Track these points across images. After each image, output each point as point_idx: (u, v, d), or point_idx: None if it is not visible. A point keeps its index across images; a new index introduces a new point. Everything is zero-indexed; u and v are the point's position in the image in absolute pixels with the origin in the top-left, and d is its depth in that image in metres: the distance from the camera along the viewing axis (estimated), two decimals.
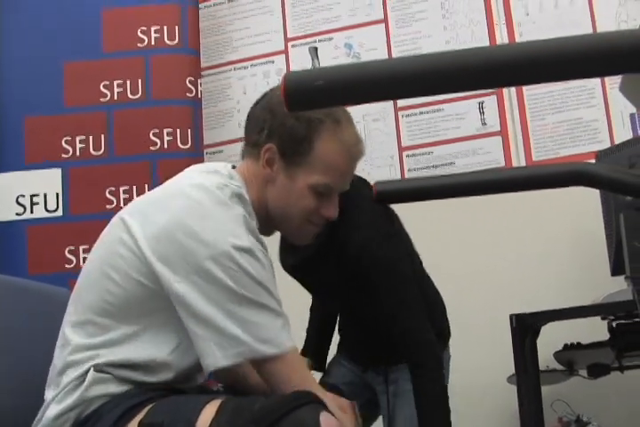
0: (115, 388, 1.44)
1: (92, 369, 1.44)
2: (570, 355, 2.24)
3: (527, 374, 2.10)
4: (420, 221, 2.70)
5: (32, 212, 2.72)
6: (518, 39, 2.79)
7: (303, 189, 1.55)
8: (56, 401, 1.45)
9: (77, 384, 1.44)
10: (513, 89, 2.77)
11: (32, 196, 2.74)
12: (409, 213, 2.60)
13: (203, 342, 1.40)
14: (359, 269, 1.77)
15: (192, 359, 1.46)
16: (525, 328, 2.10)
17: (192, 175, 1.55)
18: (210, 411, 1.35)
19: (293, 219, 1.58)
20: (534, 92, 2.74)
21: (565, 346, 2.23)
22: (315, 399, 1.36)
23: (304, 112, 1.53)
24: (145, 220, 1.46)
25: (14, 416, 1.56)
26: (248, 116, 1.63)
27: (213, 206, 1.45)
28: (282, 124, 1.54)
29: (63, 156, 2.76)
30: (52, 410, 1.45)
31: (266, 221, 1.58)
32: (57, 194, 2.73)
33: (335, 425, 1.33)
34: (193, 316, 1.41)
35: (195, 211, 1.44)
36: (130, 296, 1.45)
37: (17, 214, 2.73)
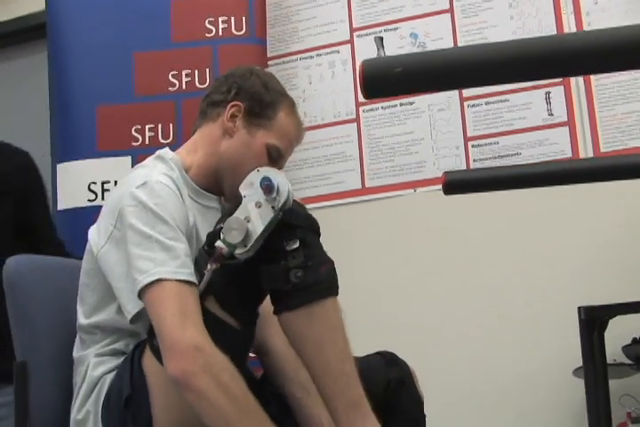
0: (116, 362, 1.54)
1: (91, 358, 1.56)
2: (638, 349, 2.21)
3: (595, 367, 2.08)
4: (482, 210, 2.69)
5: (103, 198, 2.77)
6: (586, 29, 2.75)
7: (261, 147, 1.67)
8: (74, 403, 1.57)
9: (84, 374, 1.56)
10: (580, 79, 2.73)
11: (103, 182, 2.79)
12: (473, 205, 2.60)
13: (118, 292, 1.51)
14: None
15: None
16: (594, 321, 2.08)
17: None
18: None
19: (242, 175, 1.61)
20: (602, 82, 2.69)
21: (634, 340, 2.21)
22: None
23: (271, 83, 1.73)
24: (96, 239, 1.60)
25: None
26: (212, 84, 1.81)
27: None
28: (251, 86, 1.70)
29: (133, 144, 2.81)
30: (73, 407, 1.57)
31: (213, 176, 1.68)
32: None
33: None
34: (109, 274, 1.52)
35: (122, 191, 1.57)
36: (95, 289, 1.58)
37: (89, 201, 2.78)
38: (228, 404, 1.37)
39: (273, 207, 1.42)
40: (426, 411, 1.65)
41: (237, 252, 1.41)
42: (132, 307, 1.48)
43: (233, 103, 1.68)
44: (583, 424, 2.13)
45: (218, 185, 1.69)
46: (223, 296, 1.45)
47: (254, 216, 1.41)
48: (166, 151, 1.70)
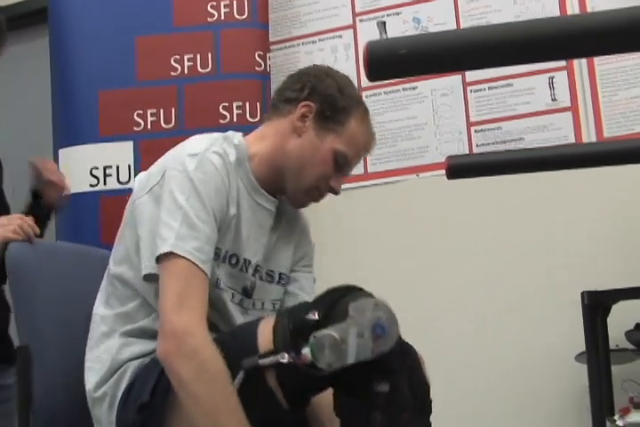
0: (146, 346, 1.51)
1: (117, 337, 1.53)
2: None
3: (597, 353, 2.09)
4: (488, 197, 2.69)
5: (105, 183, 2.77)
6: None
7: (328, 151, 1.64)
8: (92, 371, 1.54)
9: (109, 355, 1.53)
10: (584, 64, 2.71)
11: (105, 168, 2.79)
12: (476, 190, 2.60)
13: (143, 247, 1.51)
14: None
15: None
16: (597, 306, 2.08)
17: None
18: (267, 322, 1.42)
19: (307, 178, 1.65)
20: (606, 67, 2.68)
21: (637, 325, 2.21)
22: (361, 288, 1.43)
23: (347, 88, 1.67)
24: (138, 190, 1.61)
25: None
26: (285, 79, 1.75)
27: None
28: (325, 89, 1.65)
29: (135, 129, 2.80)
30: (89, 383, 1.54)
31: (275, 171, 1.65)
32: (129, 166, 2.78)
33: (386, 303, 1.38)
34: (140, 224, 1.53)
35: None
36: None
37: (91, 186, 2.78)
38: (208, 397, 1.35)
39: (372, 350, 1.33)
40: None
41: (320, 366, 1.33)
42: (146, 266, 1.48)
43: (305, 103, 1.65)
44: (585, 410, 2.14)
45: (278, 181, 1.66)
46: (285, 376, 1.37)
47: (351, 345, 1.31)
48: (235, 134, 1.68)
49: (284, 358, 1.33)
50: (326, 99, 1.64)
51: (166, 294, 1.42)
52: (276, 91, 1.74)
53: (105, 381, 1.52)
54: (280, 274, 1.72)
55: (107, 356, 1.53)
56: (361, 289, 1.42)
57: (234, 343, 1.41)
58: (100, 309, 1.60)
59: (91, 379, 1.54)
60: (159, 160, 1.62)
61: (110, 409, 1.50)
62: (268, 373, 1.36)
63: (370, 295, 1.39)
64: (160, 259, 1.45)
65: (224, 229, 1.55)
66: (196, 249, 1.45)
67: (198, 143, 1.59)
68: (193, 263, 1.44)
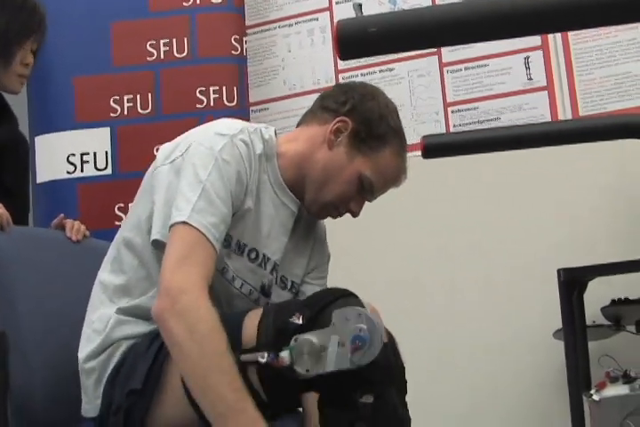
0: (139, 328, 1.50)
1: (114, 311, 1.52)
2: (617, 310, 2.24)
3: (574, 329, 2.11)
4: (464, 176, 2.70)
5: (82, 170, 2.76)
6: None
7: (354, 173, 1.60)
8: (85, 340, 1.54)
9: (103, 327, 1.52)
10: (559, 43, 2.72)
11: (82, 154, 2.77)
12: (453, 171, 2.61)
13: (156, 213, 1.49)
14: None
15: None
16: (573, 282, 2.10)
17: None
18: (254, 315, 1.41)
19: (327, 195, 1.62)
20: (581, 46, 2.70)
21: (613, 301, 2.23)
22: (352, 292, 1.41)
23: (387, 116, 1.63)
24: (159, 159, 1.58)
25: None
26: (334, 86, 1.76)
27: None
28: (366, 111, 1.61)
29: (112, 115, 2.79)
30: (81, 352, 1.54)
31: (299, 175, 1.62)
32: (106, 152, 2.77)
33: (377, 309, 1.40)
34: (157, 191, 1.51)
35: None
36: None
37: (68, 173, 2.77)
38: (199, 357, 1.33)
39: (352, 360, 1.30)
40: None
41: (298, 370, 1.31)
42: (157, 232, 1.47)
43: (342, 118, 1.61)
44: (563, 385, 2.17)
45: (300, 186, 1.63)
46: (266, 374, 1.36)
47: (330, 353, 1.30)
48: (268, 129, 1.64)
49: (264, 357, 1.31)
50: (364, 121, 1.61)
51: (169, 254, 1.42)
52: (320, 96, 1.70)
53: (95, 355, 1.51)
54: (292, 282, 1.69)
55: (100, 326, 1.52)
56: (355, 296, 1.40)
57: None
58: (103, 274, 1.59)
59: (83, 348, 1.53)
60: (185, 134, 1.59)
61: (97, 384, 1.50)
62: (249, 368, 1.36)
63: (360, 304, 1.37)
64: (172, 227, 1.44)
65: (236, 218, 1.52)
66: (211, 224, 1.43)
67: (228, 126, 1.57)
68: (205, 236, 1.42)
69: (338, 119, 1.61)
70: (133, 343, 1.50)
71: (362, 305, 1.37)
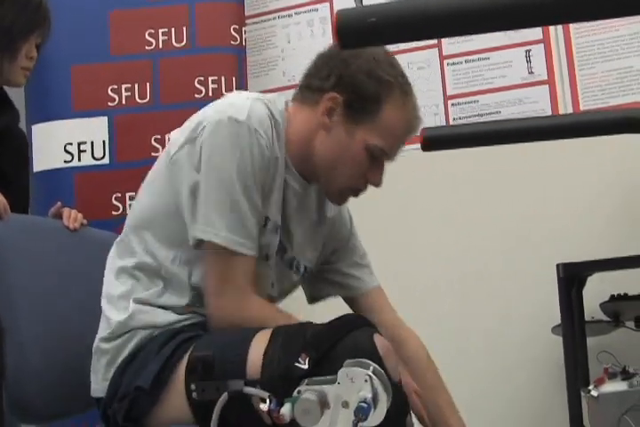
0: (158, 318, 1.49)
1: (131, 302, 1.50)
2: (616, 306, 2.23)
3: (573, 325, 2.11)
4: (464, 169, 2.69)
5: (79, 159, 2.74)
6: None
7: (360, 148, 1.52)
8: (105, 322, 1.52)
9: (122, 310, 1.50)
10: (561, 37, 2.71)
11: (79, 144, 2.75)
12: (452, 164, 2.60)
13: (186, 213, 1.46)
14: None
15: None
16: (572, 278, 2.10)
17: None
18: (261, 339, 1.38)
19: (340, 179, 1.55)
20: (583, 40, 2.68)
21: (612, 297, 2.22)
22: (367, 322, 1.38)
23: (377, 70, 1.51)
24: (176, 141, 1.53)
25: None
26: (314, 60, 1.59)
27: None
28: (353, 76, 1.51)
29: (109, 104, 2.76)
30: (100, 333, 1.53)
31: (306, 162, 1.55)
32: (103, 142, 2.75)
33: (388, 346, 1.34)
34: (180, 181, 1.47)
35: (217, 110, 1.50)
36: (157, 206, 1.52)
37: (65, 162, 2.75)
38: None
39: (354, 424, 1.24)
40: None
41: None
42: (194, 237, 1.45)
43: (330, 95, 1.50)
44: (561, 381, 2.16)
45: (308, 171, 1.56)
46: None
47: (333, 413, 1.23)
48: (278, 100, 1.55)
49: (266, 402, 1.25)
50: (353, 88, 1.49)
51: (209, 278, 1.45)
52: (304, 74, 1.59)
53: (112, 339, 1.50)
54: (301, 265, 1.65)
55: (123, 305, 1.50)
56: (365, 328, 1.36)
57: (223, 355, 1.38)
58: (116, 261, 1.57)
59: (103, 325, 1.52)
60: (199, 117, 1.51)
61: (108, 367, 1.49)
62: (253, 398, 1.32)
63: (370, 340, 1.32)
64: (202, 242, 1.44)
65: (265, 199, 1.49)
66: (245, 236, 1.43)
67: (244, 107, 1.46)
68: (241, 253, 1.43)
69: (326, 97, 1.51)
70: (149, 335, 1.48)
71: (372, 341, 1.32)
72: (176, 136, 1.54)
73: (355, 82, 1.50)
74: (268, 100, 1.53)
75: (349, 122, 1.51)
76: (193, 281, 1.49)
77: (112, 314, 1.51)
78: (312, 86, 1.55)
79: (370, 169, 1.56)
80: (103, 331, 1.52)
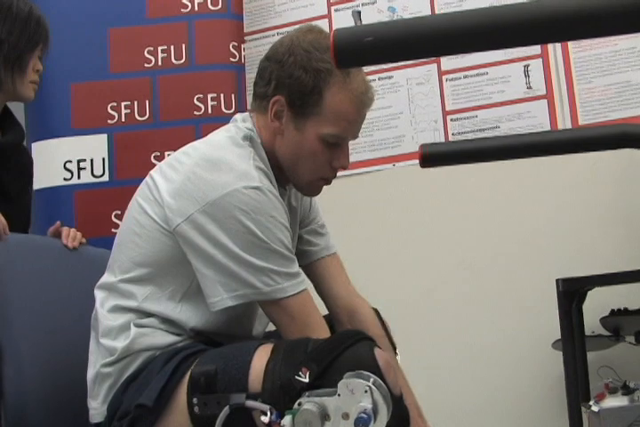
0: (159, 339, 1.49)
1: (132, 326, 1.50)
2: (617, 321, 2.22)
3: (573, 340, 2.10)
4: (462, 184, 2.69)
5: (79, 177, 2.75)
6: None
7: (313, 141, 1.55)
8: (105, 349, 1.51)
9: (123, 339, 1.50)
10: (559, 52, 2.72)
11: (79, 161, 2.77)
12: (451, 180, 2.60)
13: (209, 281, 1.45)
14: None
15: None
16: (572, 293, 2.09)
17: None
18: (263, 353, 1.38)
19: (305, 173, 1.59)
20: (581, 55, 2.69)
21: (612, 312, 2.22)
22: (367, 336, 1.38)
23: (311, 62, 1.52)
24: (165, 177, 1.52)
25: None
26: (258, 68, 1.62)
27: (226, 147, 1.51)
28: (289, 75, 1.52)
29: (109, 121, 2.78)
30: (99, 360, 1.52)
31: (278, 170, 1.59)
32: (103, 159, 2.76)
33: (388, 359, 1.34)
34: (200, 256, 1.45)
35: (206, 159, 1.49)
36: (154, 250, 1.51)
37: (64, 179, 2.76)
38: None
39: None
40: None
41: None
42: (217, 300, 1.45)
43: (274, 99, 1.54)
44: (562, 396, 2.15)
45: (283, 175, 1.61)
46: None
47: (333, 425, 1.25)
48: (246, 122, 1.59)
49: (266, 414, 1.28)
50: (292, 86, 1.52)
51: (290, 332, 1.47)
52: (253, 83, 1.63)
53: (115, 362, 1.49)
54: None
55: (124, 334, 1.50)
56: (365, 341, 1.36)
57: (225, 369, 1.37)
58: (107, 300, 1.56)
59: (103, 353, 1.52)
60: (188, 174, 1.49)
61: (110, 389, 1.48)
62: (255, 412, 1.33)
63: (370, 353, 1.33)
64: (278, 302, 1.46)
65: None
66: (297, 274, 1.48)
67: (243, 171, 1.47)
68: (302, 293, 1.47)
69: (272, 102, 1.54)
70: (152, 356, 1.48)
71: (372, 354, 1.32)
72: (164, 188, 1.52)
73: (292, 80, 1.52)
74: (244, 135, 1.56)
75: (297, 119, 1.54)
76: (191, 326, 1.51)
77: (112, 343, 1.51)
78: (260, 94, 1.59)
79: (332, 155, 1.58)
80: (102, 358, 1.51)
